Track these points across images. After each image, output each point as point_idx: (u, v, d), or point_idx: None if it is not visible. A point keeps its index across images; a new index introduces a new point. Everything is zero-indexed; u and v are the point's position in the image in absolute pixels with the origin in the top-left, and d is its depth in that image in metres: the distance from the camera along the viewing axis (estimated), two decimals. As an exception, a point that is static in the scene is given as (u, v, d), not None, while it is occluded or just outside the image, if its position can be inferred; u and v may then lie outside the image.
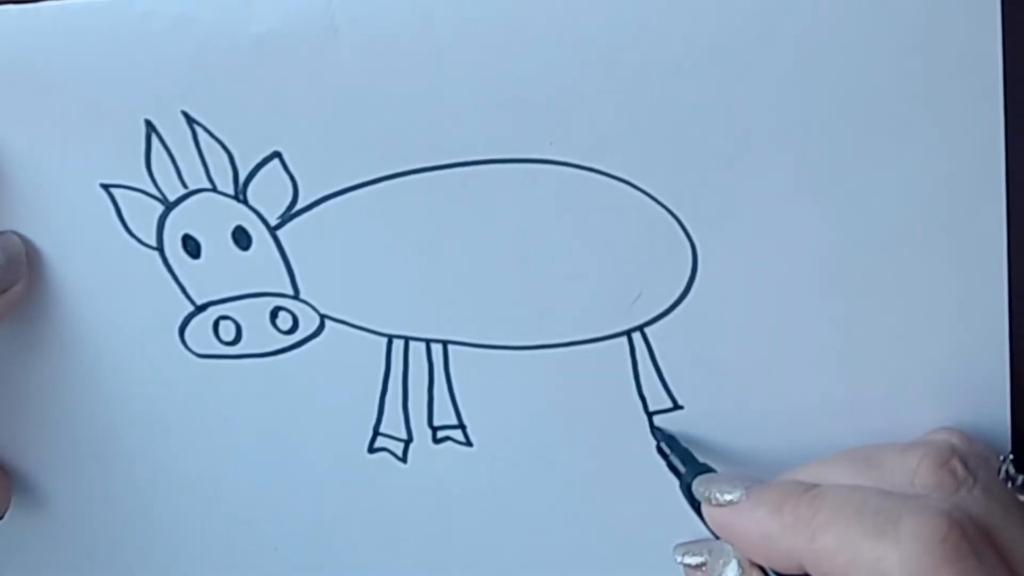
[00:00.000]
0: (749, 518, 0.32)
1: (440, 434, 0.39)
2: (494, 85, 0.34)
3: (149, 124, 0.36)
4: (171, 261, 0.37)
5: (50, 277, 0.38)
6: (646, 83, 0.34)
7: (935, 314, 0.35)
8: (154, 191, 0.36)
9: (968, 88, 0.33)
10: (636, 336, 0.36)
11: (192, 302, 0.38)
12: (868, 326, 0.35)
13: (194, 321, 0.38)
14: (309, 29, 0.34)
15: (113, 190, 0.37)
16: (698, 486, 0.34)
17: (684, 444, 0.36)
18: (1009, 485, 0.32)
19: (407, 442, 0.39)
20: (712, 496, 0.33)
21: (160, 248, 0.37)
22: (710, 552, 0.35)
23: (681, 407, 0.37)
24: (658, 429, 0.37)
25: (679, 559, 0.36)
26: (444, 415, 0.38)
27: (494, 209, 0.35)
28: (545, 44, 0.33)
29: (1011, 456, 0.33)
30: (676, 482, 0.35)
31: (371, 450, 0.39)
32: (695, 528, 0.37)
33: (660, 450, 0.37)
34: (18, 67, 0.35)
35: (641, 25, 0.33)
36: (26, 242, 0.37)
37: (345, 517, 0.40)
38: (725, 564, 0.34)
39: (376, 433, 0.39)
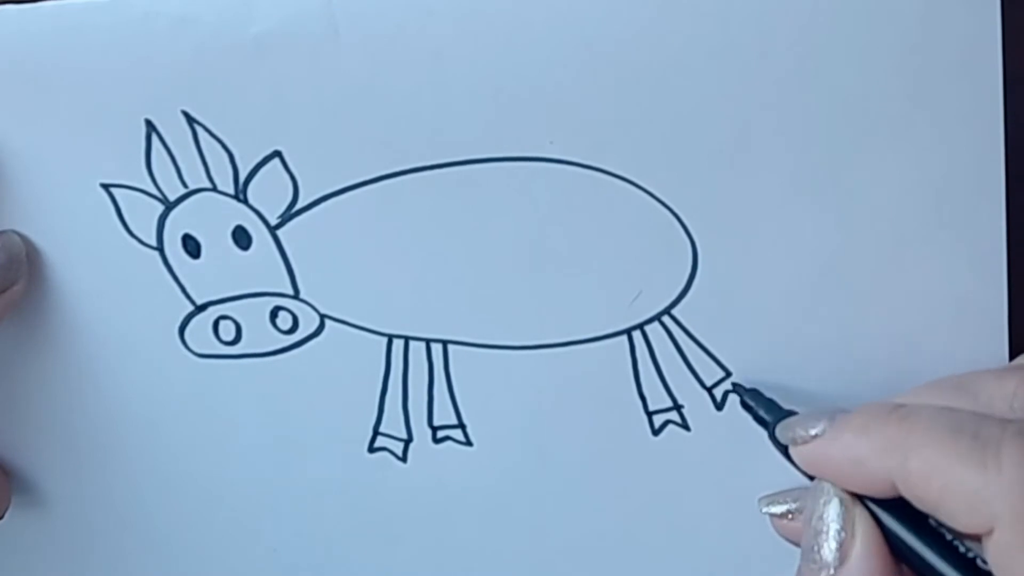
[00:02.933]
0: (836, 446, 0.30)
1: (440, 434, 0.38)
2: (494, 84, 0.34)
3: (149, 124, 0.36)
4: (171, 261, 0.37)
5: (50, 277, 0.38)
6: (646, 82, 0.34)
7: (935, 313, 0.35)
8: (154, 191, 0.36)
9: (968, 88, 0.33)
10: (636, 335, 0.36)
11: (192, 302, 0.38)
12: (868, 325, 0.35)
13: (194, 321, 0.38)
14: (309, 29, 0.34)
15: (113, 190, 0.37)
16: (781, 431, 0.32)
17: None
18: None
19: (407, 442, 0.39)
20: (796, 436, 0.31)
21: (160, 248, 0.37)
22: (807, 495, 0.32)
23: (681, 406, 0.37)
24: (738, 386, 0.36)
25: (764, 509, 0.34)
26: (444, 415, 0.38)
27: (494, 208, 0.35)
28: (545, 43, 0.34)
29: None
30: (676, 481, 0.35)
31: (371, 450, 0.39)
32: (695, 528, 0.37)
33: (744, 404, 0.36)
34: (18, 67, 0.35)
35: (641, 25, 0.33)
36: (26, 242, 0.37)
37: (345, 517, 0.40)
38: (827, 503, 0.31)
39: (376, 433, 0.39)
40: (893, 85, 0.33)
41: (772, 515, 0.33)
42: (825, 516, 0.31)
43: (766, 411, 0.35)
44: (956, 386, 0.31)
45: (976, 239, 0.34)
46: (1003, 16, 0.32)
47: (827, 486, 0.31)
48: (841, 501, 0.31)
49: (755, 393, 0.36)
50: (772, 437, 0.33)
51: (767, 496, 0.34)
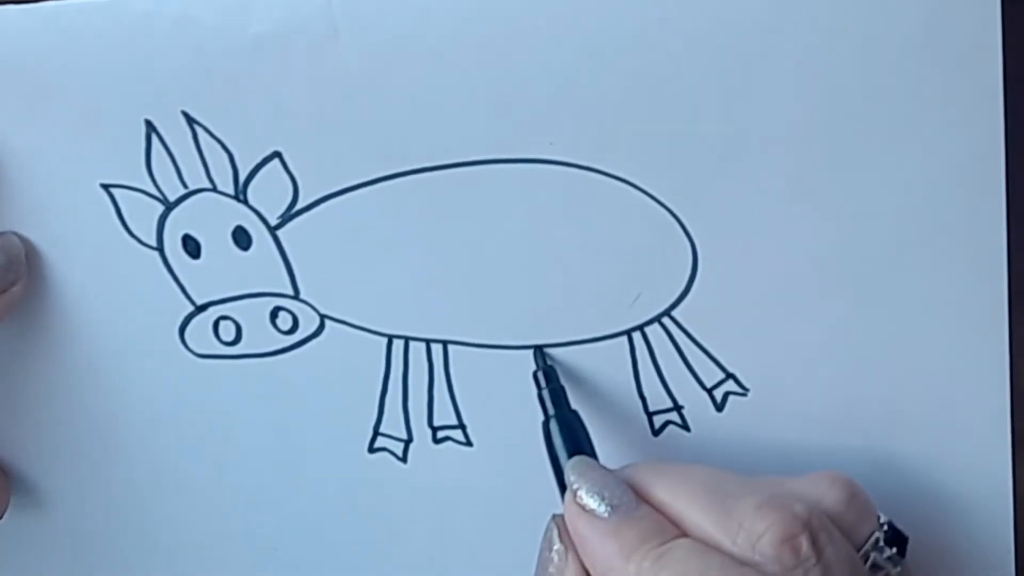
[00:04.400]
0: (600, 542, 0.31)
1: (440, 434, 0.39)
2: (494, 85, 0.34)
3: (149, 124, 0.36)
4: (171, 261, 0.37)
5: (50, 277, 0.38)
6: (646, 83, 0.34)
7: (935, 314, 0.35)
8: (154, 191, 0.36)
9: (968, 88, 0.33)
10: (636, 336, 0.36)
11: (192, 302, 0.38)
12: (868, 326, 0.35)
13: (194, 321, 0.38)
14: (309, 29, 0.34)
15: (113, 190, 0.37)
16: (571, 471, 0.33)
17: (563, 382, 0.36)
18: (874, 555, 0.31)
19: (407, 442, 0.39)
20: (580, 496, 0.32)
21: (160, 248, 0.37)
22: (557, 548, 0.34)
23: (681, 406, 0.37)
24: (542, 353, 0.36)
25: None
26: (444, 415, 0.38)
27: (494, 209, 0.35)
28: (545, 44, 0.34)
29: (886, 525, 0.32)
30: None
31: (371, 450, 0.39)
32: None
33: (535, 378, 0.36)
34: (18, 67, 0.35)
35: (641, 25, 0.33)
36: (26, 242, 0.37)
37: (345, 517, 0.40)
38: (557, 551, 0.33)
39: (376, 433, 0.39)
40: (893, 85, 0.33)
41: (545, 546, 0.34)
42: (555, 553, 0.33)
43: (552, 401, 0.35)
44: (723, 499, 0.31)
45: (976, 240, 0.34)
46: (1003, 16, 0.32)
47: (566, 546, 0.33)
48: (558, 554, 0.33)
49: (551, 372, 0.36)
50: (544, 429, 0.35)
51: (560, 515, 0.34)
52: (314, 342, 0.38)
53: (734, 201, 0.34)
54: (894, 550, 0.32)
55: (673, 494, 0.32)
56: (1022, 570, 0.37)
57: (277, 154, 0.35)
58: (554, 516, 0.34)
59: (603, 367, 0.37)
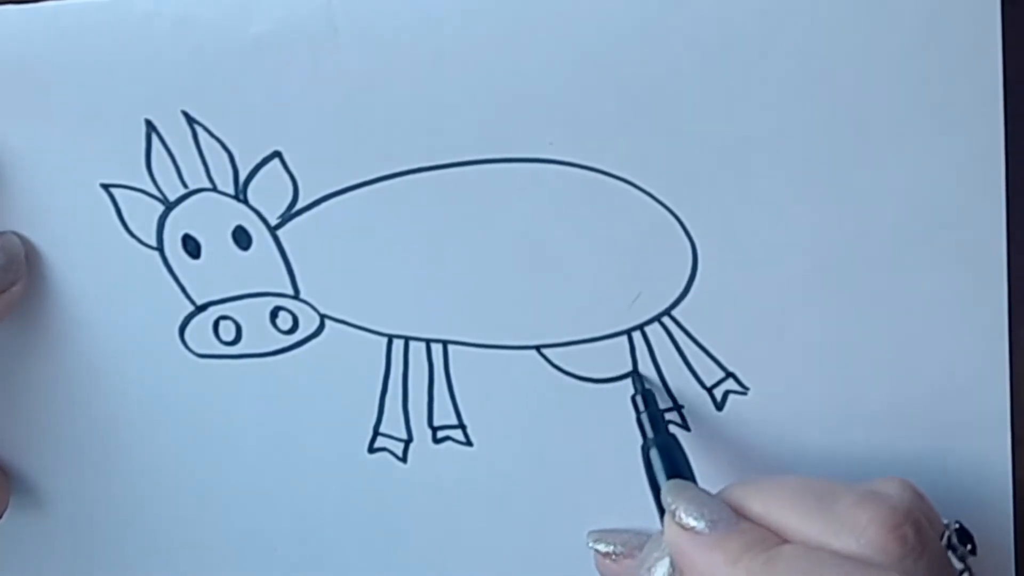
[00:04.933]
0: (705, 556, 0.31)
1: (440, 434, 0.39)
2: (494, 85, 0.34)
3: (149, 124, 0.36)
4: (171, 261, 0.37)
5: (50, 277, 0.38)
6: (646, 83, 0.34)
7: (935, 314, 0.35)
8: (154, 191, 0.36)
9: (968, 88, 0.33)
10: (636, 335, 0.36)
11: (192, 302, 0.38)
12: (868, 325, 0.35)
13: (194, 321, 0.38)
14: (309, 29, 0.34)
15: (113, 190, 0.37)
16: (667, 495, 0.33)
17: (662, 406, 0.36)
18: (950, 554, 0.31)
19: (407, 442, 0.39)
20: (678, 515, 0.32)
21: (160, 248, 0.37)
22: (637, 541, 0.34)
23: (681, 406, 0.37)
24: (639, 376, 0.37)
25: (590, 544, 0.35)
26: (444, 415, 0.38)
27: (494, 209, 0.35)
28: (545, 44, 0.34)
29: (957, 525, 0.32)
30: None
31: (371, 450, 0.39)
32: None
33: (633, 401, 0.36)
34: (18, 67, 0.35)
35: (641, 25, 0.33)
36: (26, 242, 0.37)
37: (345, 517, 0.40)
38: (659, 559, 0.33)
39: (376, 433, 0.39)
40: (893, 85, 0.33)
41: (596, 551, 0.35)
42: (654, 572, 0.33)
43: (652, 425, 0.35)
44: (819, 499, 0.31)
45: (976, 240, 0.34)
46: (1003, 16, 0.32)
47: (664, 543, 0.32)
48: (672, 563, 0.32)
49: (649, 396, 0.36)
50: (644, 453, 0.35)
51: (596, 532, 0.35)
52: (314, 342, 0.38)
53: (734, 200, 0.34)
54: (968, 547, 0.32)
55: (769, 505, 0.32)
56: (1022, 570, 0.37)
57: (277, 154, 0.35)
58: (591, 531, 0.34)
59: (603, 367, 0.37)
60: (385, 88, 0.34)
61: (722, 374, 0.36)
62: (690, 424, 0.37)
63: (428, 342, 0.37)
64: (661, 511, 0.33)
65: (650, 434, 0.35)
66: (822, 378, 0.36)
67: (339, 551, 0.40)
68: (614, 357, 0.37)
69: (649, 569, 0.33)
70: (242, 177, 0.36)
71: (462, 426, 0.38)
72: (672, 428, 0.37)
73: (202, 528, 0.41)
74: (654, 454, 0.35)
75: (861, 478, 0.33)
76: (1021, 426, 0.36)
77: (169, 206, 0.37)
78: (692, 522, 0.32)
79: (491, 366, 0.37)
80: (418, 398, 0.38)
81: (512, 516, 0.39)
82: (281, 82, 0.35)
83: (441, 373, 0.38)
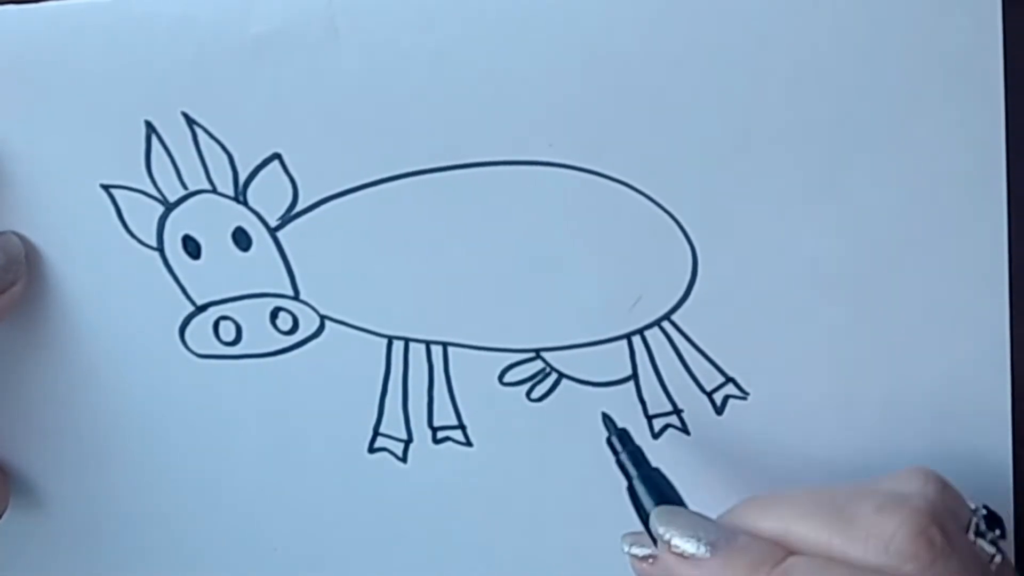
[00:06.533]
0: None
1: (440, 434, 0.39)
2: (494, 86, 0.34)
3: (149, 125, 0.36)
4: (171, 261, 0.37)
5: (50, 277, 0.38)
6: (646, 85, 0.34)
7: (935, 315, 0.35)
8: (154, 192, 0.36)
9: (968, 88, 0.33)
10: (636, 340, 0.36)
11: (192, 302, 0.38)
12: (869, 328, 0.35)
13: (194, 321, 0.38)
14: (309, 29, 0.34)
15: (113, 191, 0.37)
16: (658, 524, 0.32)
17: (637, 442, 0.35)
18: (977, 541, 0.31)
19: (407, 442, 0.39)
20: (673, 542, 0.31)
21: (160, 248, 0.37)
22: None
23: (681, 410, 0.37)
24: (609, 420, 0.36)
25: (626, 549, 0.34)
26: (444, 415, 0.38)
27: (493, 211, 0.35)
28: (545, 45, 0.33)
29: (984, 510, 0.32)
30: (676, 483, 0.35)
31: (371, 450, 0.39)
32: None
33: (610, 444, 0.35)
34: (18, 67, 0.35)
35: (640, 28, 0.33)
36: (26, 242, 0.37)
37: (345, 517, 0.40)
38: None
39: (376, 433, 0.39)
40: (893, 86, 0.33)
41: (633, 556, 0.33)
42: None
43: (632, 462, 0.35)
44: (838, 511, 0.30)
45: (976, 240, 0.34)
46: (1003, 16, 0.32)
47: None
48: None
49: (624, 436, 0.35)
50: (629, 491, 0.34)
51: (632, 535, 0.33)
52: (314, 343, 0.38)
53: (734, 204, 0.34)
54: (997, 532, 0.31)
55: (785, 520, 0.30)
56: (1022, 570, 0.37)
57: (277, 155, 0.35)
58: (626, 535, 0.33)
59: (603, 371, 0.37)
60: (385, 89, 0.34)
61: (722, 379, 0.36)
62: (690, 429, 0.37)
63: (428, 344, 0.37)
64: (642, 520, 0.33)
65: (633, 471, 0.34)
66: (822, 382, 0.36)
67: (339, 551, 0.40)
68: (614, 361, 0.37)
69: None
70: (242, 179, 0.36)
71: (462, 426, 0.38)
72: (672, 432, 0.37)
73: (202, 528, 0.41)
74: (640, 489, 0.34)
75: (861, 479, 0.33)
76: (1022, 426, 0.36)
77: (169, 207, 0.37)
78: (690, 548, 0.31)
79: (491, 368, 0.37)
80: (418, 399, 0.38)
81: (512, 516, 0.39)
82: (281, 83, 0.35)
83: (441, 374, 0.38)
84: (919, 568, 0.29)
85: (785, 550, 0.30)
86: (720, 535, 0.31)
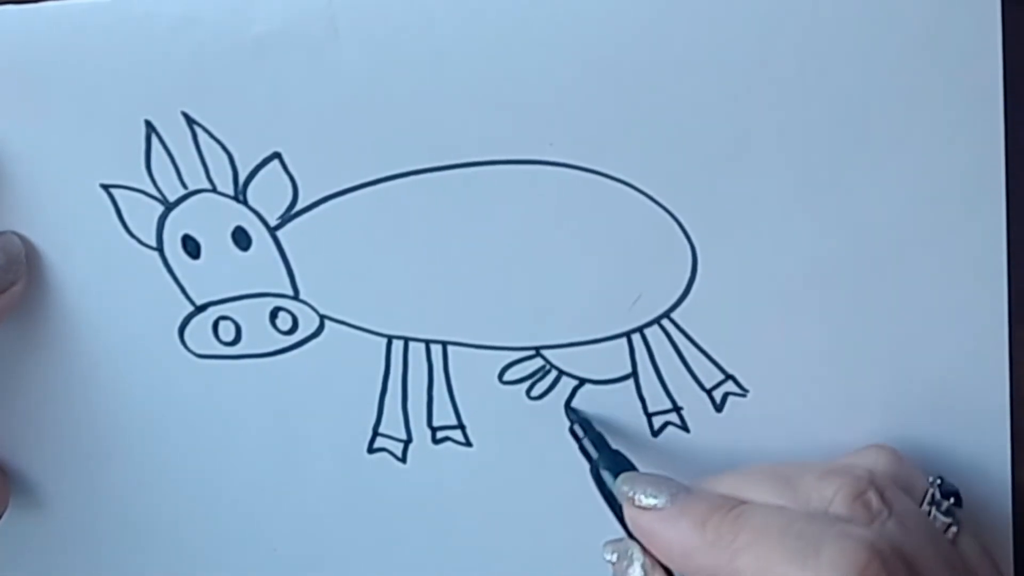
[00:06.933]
0: (672, 528, 0.31)
1: (440, 434, 0.39)
2: (494, 86, 0.34)
3: (149, 125, 0.36)
4: (171, 261, 0.37)
5: (50, 277, 0.38)
6: (646, 84, 0.34)
7: (935, 316, 0.35)
8: (154, 191, 0.36)
9: (968, 88, 0.33)
10: (636, 338, 0.36)
11: (192, 302, 0.38)
12: (868, 327, 0.35)
13: (194, 321, 0.38)
14: (309, 29, 0.34)
15: (113, 190, 0.37)
16: (622, 484, 0.33)
17: (598, 428, 0.36)
18: (933, 510, 0.32)
19: (407, 442, 0.39)
20: (637, 497, 0.33)
21: (160, 248, 0.37)
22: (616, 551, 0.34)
23: (681, 407, 0.37)
24: (572, 410, 0.37)
25: (604, 556, 0.35)
26: (443, 415, 0.38)
27: (494, 210, 0.35)
28: (545, 45, 0.33)
29: (939, 480, 0.33)
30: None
31: (371, 450, 0.39)
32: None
33: (572, 432, 0.36)
34: (18, 67, 0.35)
35: (641, 26, 0.33)
36: (26, 242, 0.37)
37: (345, 517, 0.40)
38: (629, 565, 0.33)
39: (376, 433, 0.39)
40: (893, 86, 0.33)
41: (609, 562, 0.34)
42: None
43: (594, 446, 0.36)
44: (785, 479, 0.32)
45: (976, 240, 0.34)
46: (1003, 16, 0.32)
47: (633, 550, 0.33)
48: (643, 565, 0.33)
49: (586, 423, 0.36)
50: (594, 474, 0.35)
51: (610, 542, 0.35)
52: (314, 342, 0.38)
53: (734, 202, 0.34)
54: (951, 500, 0.33)
55: (736, 488, 0.32)
56: (1022, 570, 0.37)
57: (277, 155, 0.35)
58: (608, 542, 0.34)
59: (602, 369, 0.37)
60: (385, 89, 0.34)
61: (722, 376, 0.36)
62: (689, 426, 0.37)
63: (428, 343, 0.37)
64: (620, 520, 0.34)
65: (595, 454, 0.36)
66: (822, 380, 0.36)
67: (338, 551, 0.40)
68: (614, 358, 0.37)
69: (635, 564, 0.33)
70: (241, 178, 0.36)
71: (461, 426, 0.38)
72: (671, 429, 0.37)
73: (202, 528, 0.41)
74: (604, 471, 0.35)
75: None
76: (1021, 426, 0.36)
77: (169, 207, 0.37)
78: (652, 500, 0.32)
79: (491, 367, 0.37)
80: (417, 398, 0.38)
81: (511, 516, 0.39)
82: (281, 82, 0.35)
83: (440, 374, 0.38)
84: (863, 525, 0.30)
85: (738, 500, 0.31)
86: (679, 488, 0.32)
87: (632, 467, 0.35)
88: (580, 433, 0.36)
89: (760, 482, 0.32)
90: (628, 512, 0.33)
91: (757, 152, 0.34)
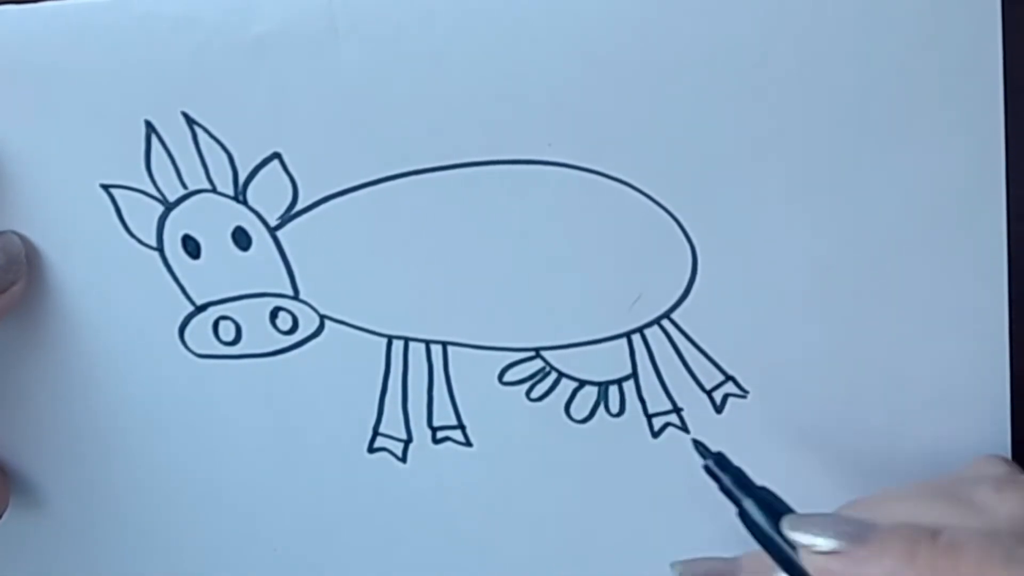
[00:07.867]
0: (875, 568, 0.28)
1: (440, 434, 0.39)
2: (494, 86, 0.34)
3: (149, 125, 0.36)
4: (171, 261, 0.37)
5: (50, 277, 0.38)
6: (645, 84, 0.34)
7: (935, 316, 0.35)
8: (154, 191, 0.36)
9: (968, 88, 0.33)
10: (636, 338, 0.36)
11: (192, 302, 0.38)
12: (868, 327, 0.35)
13: (194, 321, 0.38)
14: (309, 29, 0.34)
15: (113, 190, 0.37)
16: (790, 532, 0.30)
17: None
18: None
19: (407, 442, 0.39)
20: (817, 545, 0.30)
21: (160, 248, 0.37)
22: (731, 568, 0.32)
23: (681, 408, 0.37)
24: (700, 444, 0.35)
25: None
26: (444, 415, 0.38)
27: (493, 210, 0.35)
28: (545, 45, 0.33)
29: None
30: (675, 482, 0.35)
31: (371, 450, 0.39)
32: (694, 529, 0.37)
33: (709, 471, 0.34)
34: (18, 67, 0.35)
35: (641, 26, 0.33)
36: (26, 242, 0.37)
37: (345, 517, 0.40)
38: None
39: (376, 433, 0.39)
40: (893, 87, 0.33)
41: None
42: None
43: (737, 484, 0.33)
44: (954, 497, 0.30)
45: (976, 241, 0.34)
46: (1003, 16, 0.32)
47: None
48: None
49: (722, 460, 0.34)
50: (741, 515, 0.32)
51: (682, 562, 0.33)
52: (314, 342, 0.38)
53: (734, 202, 0.34)
54: None
55: (910, 511, 0.30)
56: None
57: (277, 155, 0.35)
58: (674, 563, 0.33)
59: (602, 369, 0.37)
60: (385, 89, 0.34)
61: (722, 377, 0.36)
62: (689, 427, 0.37)
63: (428, 343, 0.37)
64: (781, 562, 0.31)
65: (741, 496, 0.33)
66: (822, 381, 0.36)
67: (338, 551, 0.40)
68: (614, 359, 0.37)
69: None
70: (241, 178, 0.36)
71: (462, 426, 0.38)
72: (671, 431, 0.37)
73: (202, 528, 0.41)
74: (754, 512, 0.32)
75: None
76: (1021, 426, 0.36)
77: (169, 207, 0.37)
78: (831, 543, 0.29)
79: (491, 367, 0.37)
80: (418, 398, 0.38)
81: (512, 516, 0.39)
82: (281, 82, 0.35)
83: (441, 374, 0.38)
84: None
85: (927, 527, 0.29)
86: (857, 525, 0.30)
87: (780, 502, 0.32)
88: (718, 472, 0.34)
89: (930, 502, 0.30)
90: (811, 561, 0.30)
91: (757, 152, 0.34)
